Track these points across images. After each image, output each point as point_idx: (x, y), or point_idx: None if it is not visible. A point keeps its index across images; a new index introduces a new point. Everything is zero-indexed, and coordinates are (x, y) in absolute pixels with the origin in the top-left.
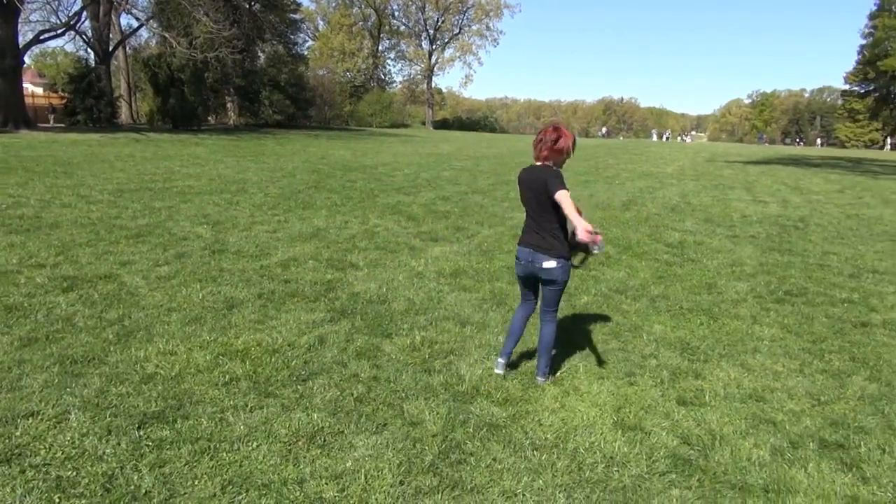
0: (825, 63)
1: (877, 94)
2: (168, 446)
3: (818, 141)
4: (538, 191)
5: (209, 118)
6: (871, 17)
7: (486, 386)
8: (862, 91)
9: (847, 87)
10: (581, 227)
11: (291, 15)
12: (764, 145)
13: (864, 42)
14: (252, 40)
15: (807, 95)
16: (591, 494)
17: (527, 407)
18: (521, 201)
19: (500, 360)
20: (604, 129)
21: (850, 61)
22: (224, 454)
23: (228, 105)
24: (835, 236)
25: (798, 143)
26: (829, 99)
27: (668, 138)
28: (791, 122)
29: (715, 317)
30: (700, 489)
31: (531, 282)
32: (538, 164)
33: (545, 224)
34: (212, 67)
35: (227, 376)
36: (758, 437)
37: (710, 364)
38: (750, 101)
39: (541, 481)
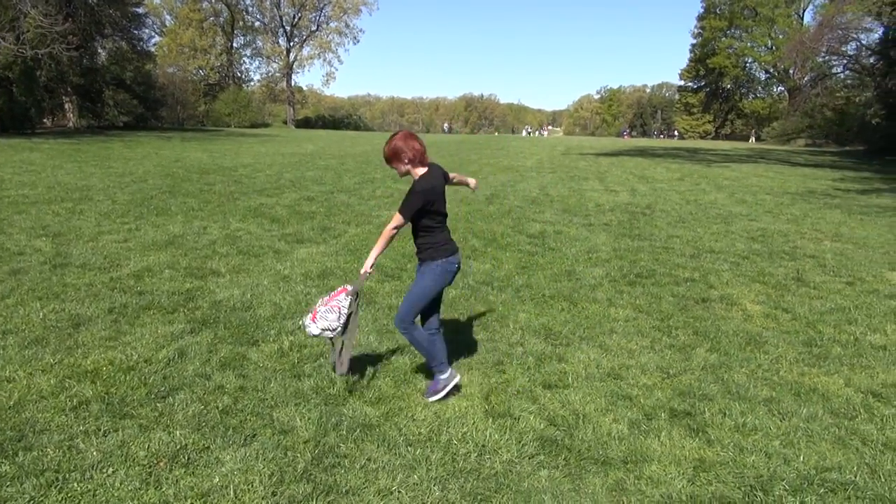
0: (663, 60)
1: (707, 90)
2: (8, 483)
3: (675, 133)
4: None
5: (45, 120)
6: (700, 18)
7: (357, 387)
8: (695, 87)
9: (682, 83)
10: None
11: (134, 9)
12: (625, 138)
13: (694, 41)
14: (90, 35)
15: (648, 91)
16: (465, 484)
17: (399, 404)
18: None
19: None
20: (446, 126)
21: (683, 59)
22: (75, 484)
23: (67, 106)
24: (677, 221)
25: (661, 135)
26: (667, 94)
27: (529, 133)
28: (636, 115)
29: (575, 302)
30: (566, 467)
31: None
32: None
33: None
34: (45, 65)
35: (76, 400)
36: (616, 412)
37: (572, 347)
38: (599, 96)
39: (416, 476)
